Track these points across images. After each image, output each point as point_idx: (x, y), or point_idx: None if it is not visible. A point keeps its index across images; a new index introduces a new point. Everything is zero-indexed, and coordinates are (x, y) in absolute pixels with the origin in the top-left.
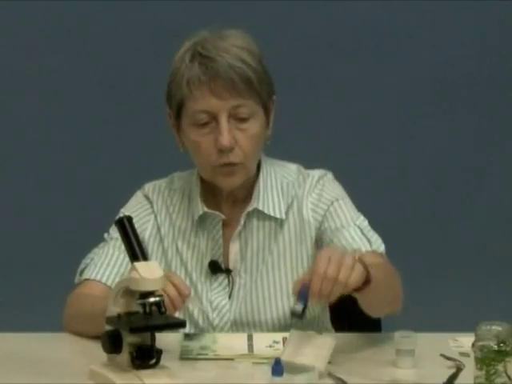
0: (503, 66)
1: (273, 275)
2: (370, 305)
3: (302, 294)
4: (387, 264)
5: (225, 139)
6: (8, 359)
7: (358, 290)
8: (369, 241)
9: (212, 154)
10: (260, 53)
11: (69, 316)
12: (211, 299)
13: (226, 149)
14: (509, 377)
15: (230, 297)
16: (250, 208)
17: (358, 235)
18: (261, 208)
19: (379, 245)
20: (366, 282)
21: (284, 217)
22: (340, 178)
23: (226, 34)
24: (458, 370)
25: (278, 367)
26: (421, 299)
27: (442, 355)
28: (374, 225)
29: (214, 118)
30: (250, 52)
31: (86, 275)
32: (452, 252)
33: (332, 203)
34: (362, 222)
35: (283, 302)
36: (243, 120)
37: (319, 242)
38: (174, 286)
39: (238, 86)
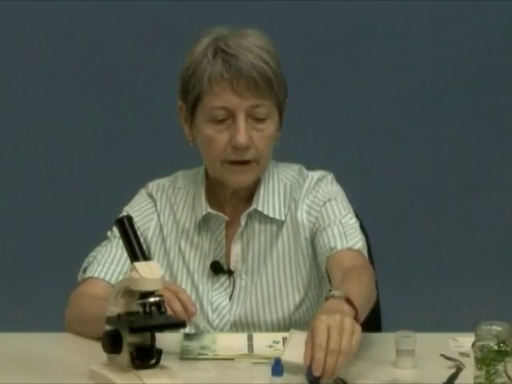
0: (503, 66)
1: (272, 277)
2: None
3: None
4: (363, 267)
5: (242, 137)
6: (8, 359)
7: None
8: (346, 238)
9: (226, 149)
10: (277, 54)
11: (71, 317)
12: (212, 300)
13: (242, 147)
14: (509, 377)
15: (230, 298)
16: (250, 208)
17: (338, 233)
18: (260, 209)
19: (356, 242)
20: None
21: (283, 218)
22: (340, 178)
23: (246, 33)
24: (458, 370)
25: (278, 367)
26: (421, 299)
27: (442, 355)
28: (374, 225)
29: (231, 115)
30: (270, 53)
31: (88, 273)
32: (452, 252)
33: (324, 204)
34: (348, 220)
35: (282, 305)
36: (260, 120)
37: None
38: (181, 302)
39: (259, 86)
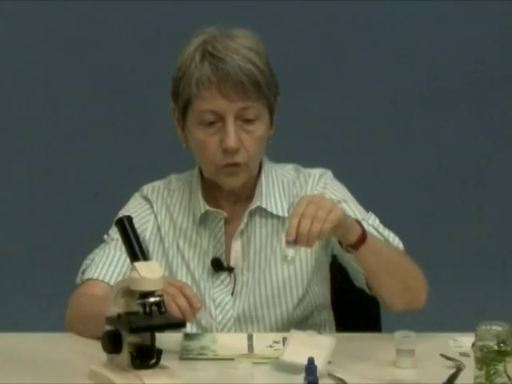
0: (503, 66)
1: (276, 273)
2: (377, 277)
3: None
4: (403, 253)
5: (231, 141)
6: (8, 359)
7: (353, 246)
8: (387, 240)
9: (217, 153)
10: (267, 53)
11: (72, 317)
12: (214, 297)
13: (231, 150)
14: (509, 377)
15: (232, 294)
16: (253, 206)
17: (374, 231)
18: (264, 206)
19: (398, 242)
20: (362, 239)
21: (286, 215)
22: (340, 178)
23: (235, 34)
24: (458, 369)
25: (311, 366)
26: None
27: (442, 355)
28: None
29: (220, 118)
30: (258, 53)
31: (87, 275)
32: (452, 252)
33: (339, 203)
34: (374, 220)
35: (286, 299)
36: (249, 122)
37: (328, 241)
38: (186, 297)
39: (247, 89)
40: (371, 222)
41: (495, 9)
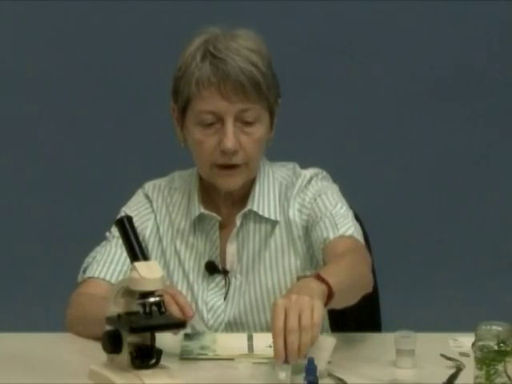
0: (503, 65)
1: (265, 277)
2: (340, 306)
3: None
4: (354, 250)
5: (230, 142)
6: (8, 359)
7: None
8: (337, 226)
9: (214, 153)
10: (269, 55)
11: (73, 317)
12: (206, 300)
13: (230, 151)
14: (509, 377)
15: (225, 298)
16: (245, 209)
17: (330, 224)
18: (255, 209)
19: (347, 228)
20: (329, 296)
21: (278, 219)
22: (338, 178)
23: (238, 34)
24: (458, 369)
25: (311, 366)
26: (421, 299)
27: (442, 355)
28: (374, 225)
29: (219, 119)
30: (260, 55)
31: (88, 273)
32: (452, 252)
33: (315, 200)
34: (339, 209)
35: None
36: (249, 124)
37: (310, 244)
38: (179, 306)
39: (247, 90)
40: (333, 212)
41: (495, 9)
